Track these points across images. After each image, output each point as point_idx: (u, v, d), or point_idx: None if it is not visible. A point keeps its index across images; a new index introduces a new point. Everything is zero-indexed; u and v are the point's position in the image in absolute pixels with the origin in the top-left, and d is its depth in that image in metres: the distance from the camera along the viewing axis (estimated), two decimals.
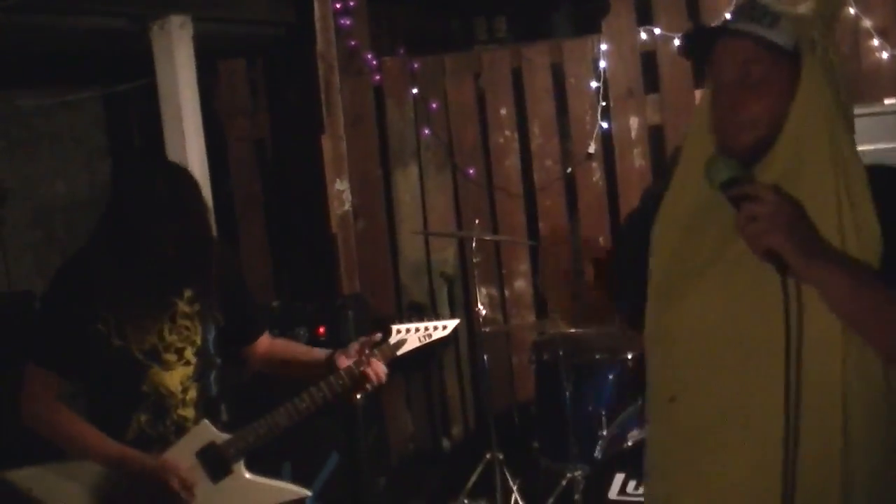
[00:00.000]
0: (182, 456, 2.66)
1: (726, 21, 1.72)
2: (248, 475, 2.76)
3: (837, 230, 1.60)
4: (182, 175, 2.69)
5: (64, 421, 2.64)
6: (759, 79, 1.65)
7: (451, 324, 3.26)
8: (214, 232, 2.78)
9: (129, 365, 2.63)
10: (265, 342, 3.01)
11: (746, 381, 1.65)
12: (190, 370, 2.71)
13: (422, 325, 3.15)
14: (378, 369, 2.86)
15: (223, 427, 2.74)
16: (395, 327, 3.10)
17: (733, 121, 1.66)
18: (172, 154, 4.44)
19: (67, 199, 5.70)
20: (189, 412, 2.71)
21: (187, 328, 2.70)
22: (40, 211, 5.59)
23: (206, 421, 2.70)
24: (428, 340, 3.17)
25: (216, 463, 2.70)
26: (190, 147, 4.56)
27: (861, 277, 1.57)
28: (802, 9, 1.67)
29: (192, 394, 2.72)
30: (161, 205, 2.56)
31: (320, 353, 2.96)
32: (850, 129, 1.68)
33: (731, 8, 4.80)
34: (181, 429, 2.69)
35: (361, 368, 2.84)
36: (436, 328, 3.20)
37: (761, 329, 1.63)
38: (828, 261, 1.56)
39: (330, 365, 2.86)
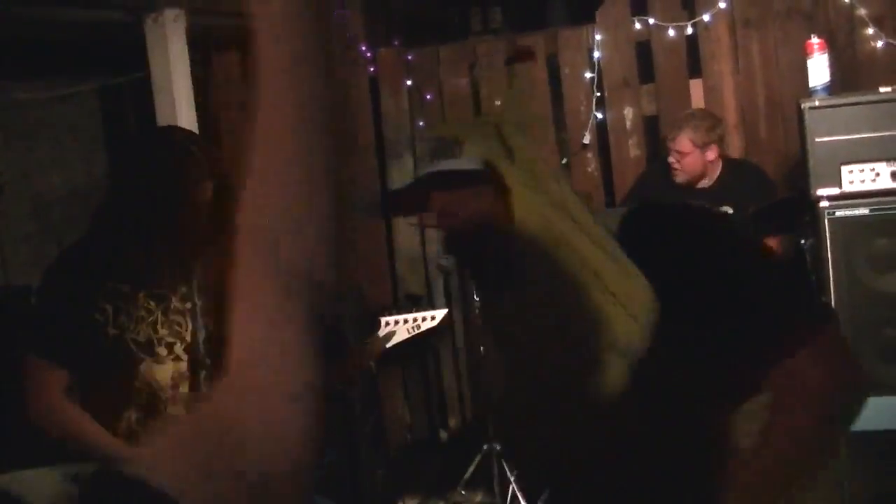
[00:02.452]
0: None
1: (415, 179, 1.77)
2: None
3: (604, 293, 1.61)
4: (173, 160, 2.58)
5: (75, 420, 2.57)
6: (463, 209, 1.66)
7: (440, 314, 3.28)
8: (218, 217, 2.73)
9: (122, 355, 2.59)
10: None
11: None
12: (181, 366, 2.69)
13: (410, 317, 3.17)
14: None
15: None
16: (383, 319, 3.11)
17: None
18: None
19: (64, 190, 5.69)
20: (179, 410, 2.69)
21: (178, 324, 2.69)
22: (37, 203, 5.58)
23: None
24: (417, 331, 3.18)
25: None
26: None
27: None
28: (483, 128, 1.68)
29: (183, 390, 2.70)
30: (154, 191, 2.55)
31: None
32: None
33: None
34: None
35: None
36: (424, 319, 3.21)
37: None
38: None
39: None
